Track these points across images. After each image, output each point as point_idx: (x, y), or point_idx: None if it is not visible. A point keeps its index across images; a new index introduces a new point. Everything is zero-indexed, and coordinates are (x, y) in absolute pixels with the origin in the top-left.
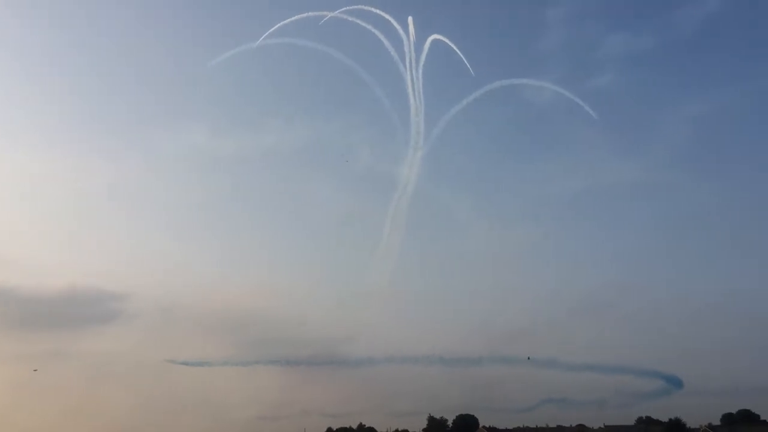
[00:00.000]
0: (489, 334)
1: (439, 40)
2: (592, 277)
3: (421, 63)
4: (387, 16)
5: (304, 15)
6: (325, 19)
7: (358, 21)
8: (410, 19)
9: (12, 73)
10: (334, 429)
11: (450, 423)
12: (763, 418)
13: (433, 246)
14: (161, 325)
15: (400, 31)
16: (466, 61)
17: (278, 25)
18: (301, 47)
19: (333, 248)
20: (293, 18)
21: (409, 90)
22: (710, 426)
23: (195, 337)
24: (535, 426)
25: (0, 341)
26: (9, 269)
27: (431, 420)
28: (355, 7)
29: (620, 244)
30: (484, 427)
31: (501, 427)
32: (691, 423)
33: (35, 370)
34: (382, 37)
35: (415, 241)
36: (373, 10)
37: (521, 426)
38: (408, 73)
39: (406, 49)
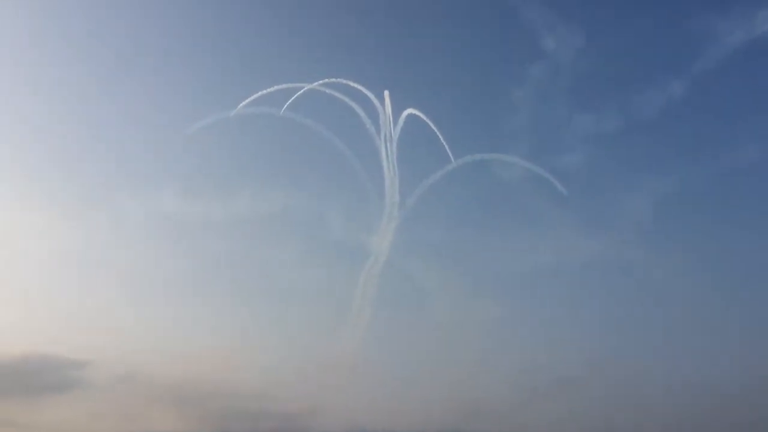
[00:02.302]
0: (455, 409)
1: (413, 114)
2: (562, 353)
3: (396, 136)
4: (364, 90)
5: (283, 86)
6: (302, 90)
7: (336, 93)
8: (386, 93)
9: None
10: None
11: None
12: None
13: (402, 318)
14: (119, 396)
15: (377, 104)
16: (439, 135)
17: (256, 95)
18: (277, 117)
19: (301, 318)
20: (271, 89)
21: (384, 162)
22: None
23: (154, 409)
24: None
25: None
26: None
27: None
28: (333, 80)
29: (589, 320)
30: None
31: None
32: None
33: None
34: (358, 109)
35: (384, 313)
36: (351, 83)
37: None
38: (383, 145)
39: (381, 121)
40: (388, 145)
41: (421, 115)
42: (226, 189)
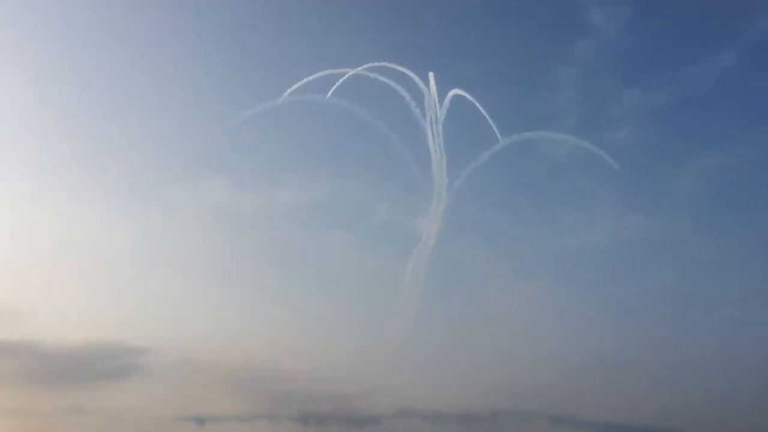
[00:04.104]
0: (503, 390)
1: (459, 95)
2: (615, 331)
3: (442, 117)
4: (408, 72)
5: (327, 72)
6: (347, 75)
7: (380, 77)
8: (431, 74)
9: (38, 128)
10: None
11: None
12: None
13: (453, 300)
14: (178, 381)
15: (422, 87)
16: (486, 115)
17: (300, 82)
18: (322, 104)
19: (351, 303)
20: (315, 75)
21: (431, 144)
22: None
23: (211, 393)
24: None
25: (23, 396)
26: (33, 324)
27: None
28: (377, 64)
29: (643, 298)
30: None
31: None
32: None
33: None
34: (403, 92)
35: (434, 296)
36: (395, 66)
37: None
38: (429, 127)
39: (427, 103)
40: (435, 126)
41: (467, 95)
42: (275, 179)
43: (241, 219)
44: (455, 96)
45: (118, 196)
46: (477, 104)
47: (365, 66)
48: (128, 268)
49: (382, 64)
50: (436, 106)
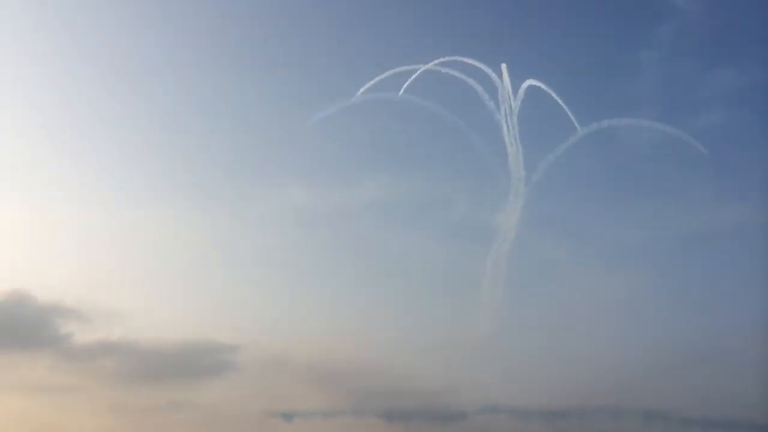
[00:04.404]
0: (589, 386)
1: (534, 85)
2: (708, 323)
3: (517, 109)
4: (480, 65)
5: (398, 70)
6: (418, 72)
7: (452, 71)
8: (504, 66)
9: (127, 134)
10: None
11: None
12: None
13: (535, 294)
14: (266, 377)
15: (495, 79)
16: (563, 104)
17: (372, 81)
18: (395, 101)
19: (434, 299)
20: (387, 73)
21: (506, 137)
22: None
23: (298, 389)
24: None
25: (123, 393)
26: (131, 324)
27: None
28: (448, 58)
29: (737, 288)
30: None
31: None
32: None
33: None
34: (476, 85)
35: (515, 290)
36: (466, 60)
37: None
38: (504, 119)
39: (500, 96)
40: (509, 119)
41: (542, 85)
42: (352, 178)
43: (319, 217)
44: (530, 87)
45: (207, 198)
46: (553, 94)
47: (436, 61)
48: (218, 268)
49: (453, 58)
50: (510, 98)
